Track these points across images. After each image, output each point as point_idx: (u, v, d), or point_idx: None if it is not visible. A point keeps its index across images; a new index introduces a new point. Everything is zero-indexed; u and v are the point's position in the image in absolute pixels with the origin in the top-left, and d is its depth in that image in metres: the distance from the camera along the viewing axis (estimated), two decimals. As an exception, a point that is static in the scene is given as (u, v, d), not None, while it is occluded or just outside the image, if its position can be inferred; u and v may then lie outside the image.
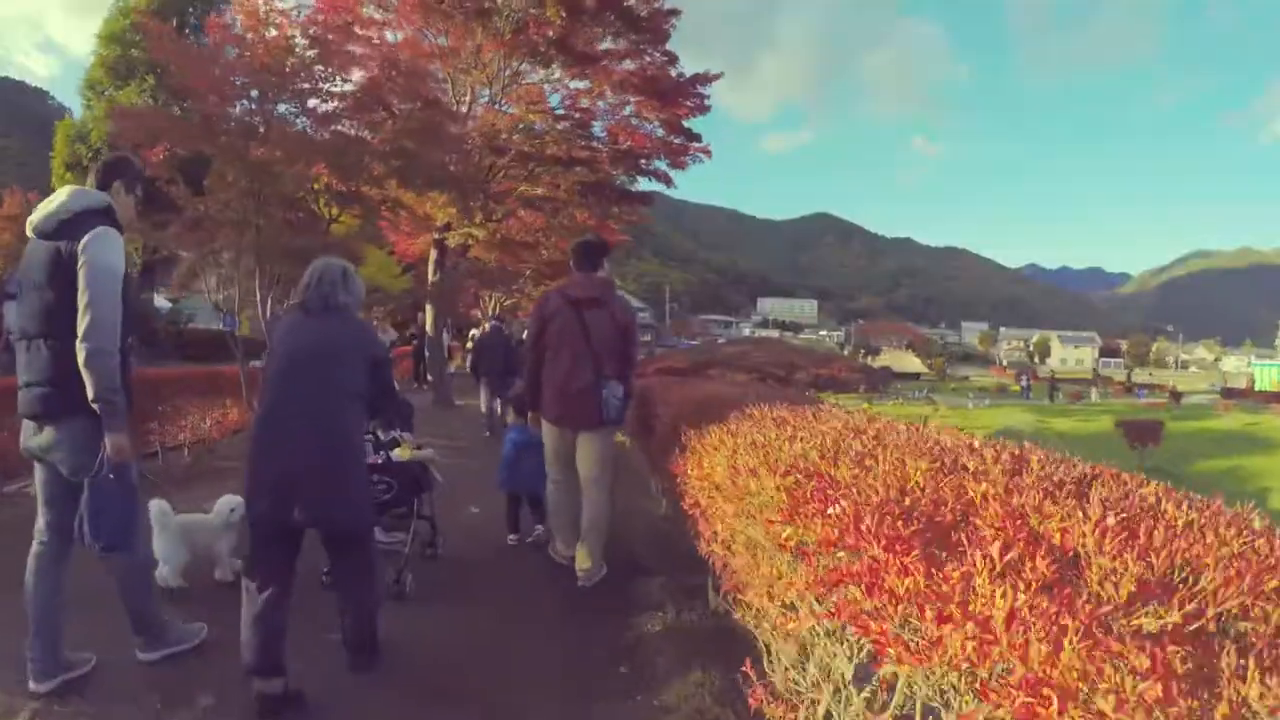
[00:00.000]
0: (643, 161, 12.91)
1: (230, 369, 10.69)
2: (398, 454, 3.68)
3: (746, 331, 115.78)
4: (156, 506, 3.45)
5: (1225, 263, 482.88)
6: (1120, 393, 44.42)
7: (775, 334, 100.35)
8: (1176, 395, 41.73)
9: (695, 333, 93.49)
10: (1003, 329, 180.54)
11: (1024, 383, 41.41)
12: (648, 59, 12.35)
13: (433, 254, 12.77)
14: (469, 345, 22.16)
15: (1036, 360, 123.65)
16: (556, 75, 13.02)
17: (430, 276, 12.91)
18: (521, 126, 12.54)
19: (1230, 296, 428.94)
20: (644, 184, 13.73)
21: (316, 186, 5.66)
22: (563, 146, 11.90)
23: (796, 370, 32.37)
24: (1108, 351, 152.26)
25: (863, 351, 72.08)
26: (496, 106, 11.99)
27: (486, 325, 15.39)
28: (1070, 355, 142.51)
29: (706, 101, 13.43)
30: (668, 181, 14.34)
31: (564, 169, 12.02)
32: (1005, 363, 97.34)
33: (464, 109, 12.57)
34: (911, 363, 54.18)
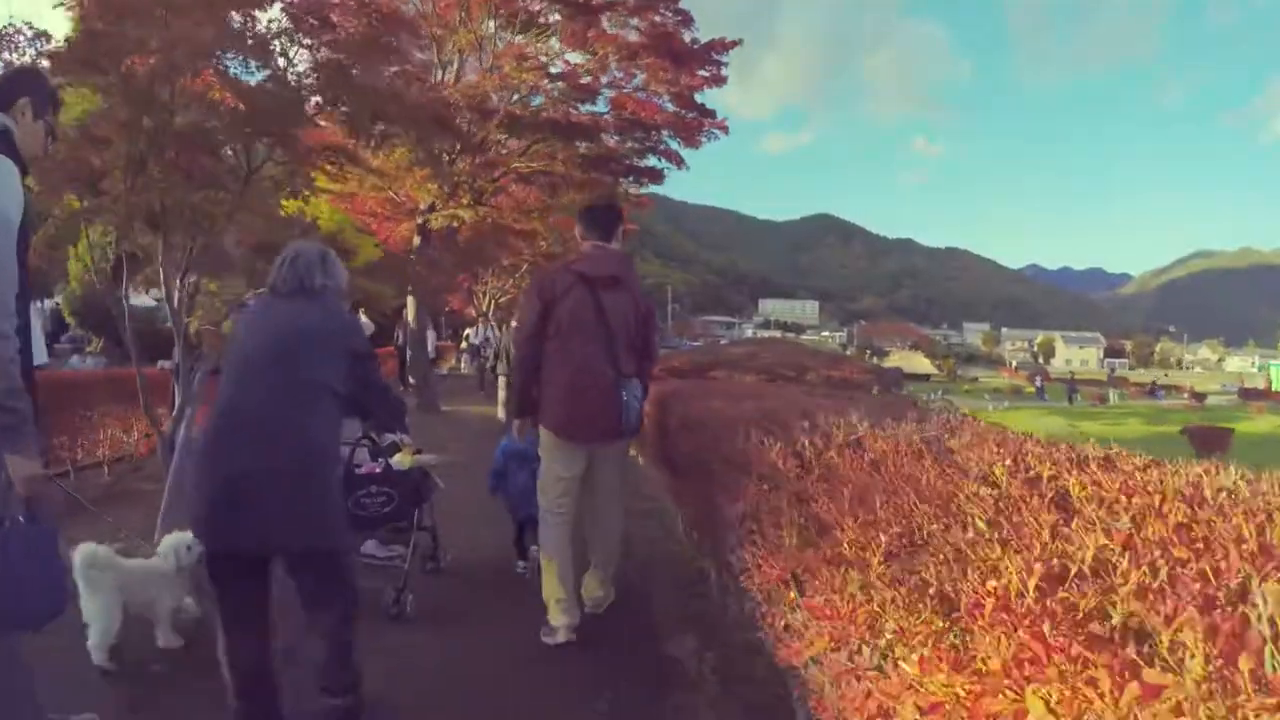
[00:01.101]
0: (653, 134, 11.41)
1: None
2: (398, 460, 3.26)
3: (748, 332, 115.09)
4: (87, 553, 2.62)
5: (1226, 263, 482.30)
6: (1138, 394, 43.08)
7: (777, 335, 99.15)
8: (1199, 397, 40.49)
9: (697, 334, 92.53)
10: (1004, 329, 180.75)
11: (1039, 384, 40.08)
12: (658, 18, 10.89)
13: (416, 240, 11.30)
14: (464, 345, 20.87)
15: (1041, 360, 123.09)
16: (556, 47, 11.56)
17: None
18: (516, 99, 11.06)
19: (1231, 297, 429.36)
20: (653, 163, 12.25)
21: (215, 117, 4.19)
22: (559, 109, 10.36)
23: (807, 372, 30.84)
24: (1112, 352, 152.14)
25: (868, 352, 70.76)
26: (487, 70, 10.46)
27: (481, 324, 13.94)
28: (1075, 355, 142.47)
29: (724, 71, 11.96)
30: (679, 162, 12.86)
31: (562, 140, 10.50)
32: (1015, 364, 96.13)
33: (450, 77, 11.11)
34: (921, 364, 52.74)
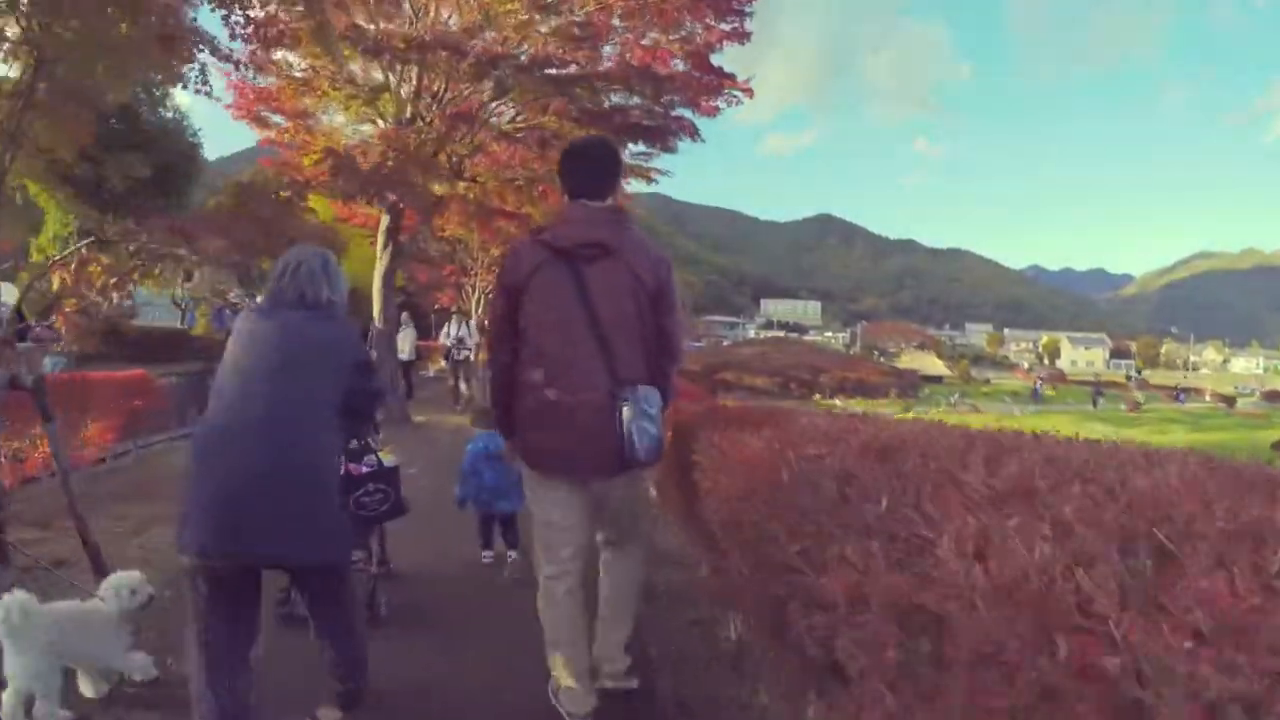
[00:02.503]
0: (665, 99, 9.52)
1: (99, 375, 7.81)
2: (384, 457, 3.22)
3: (751, 333, 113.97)
4: (12, 605, 2.17)
5: (1229, 264, 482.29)
6: (1166, 398, 41.37)
7: (780, 335, 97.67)
8: (1229, 401, 38.88)
9: (701, 334, 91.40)
10: (1007, 330, 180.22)
11: (1036, 386, 37.54)
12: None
13: (384, 220, 9.52)
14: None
15: (1046, 362, 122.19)
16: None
17: (379, 251, 9.65)
18: (510, 48, 9.19)
19: (1234, 298, 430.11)
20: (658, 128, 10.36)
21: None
22: (547, 45, 8.39)
23: (821, 374, 29.16)
24: (1118, 353, 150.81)
25: (876, 353, 68.98)
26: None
27: (454, 320, 11.66)
28: (1081, 357, 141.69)
29: (747, 24, 10.18)
30: (692, 133, 11.07)
31: (554, 88, 8.56)
32: (1027, 365, 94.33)
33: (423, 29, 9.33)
34: (934, 365, 50.80)
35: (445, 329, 11.15)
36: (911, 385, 33.51)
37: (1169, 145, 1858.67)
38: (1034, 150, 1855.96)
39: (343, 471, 2.91)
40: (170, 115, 21.43)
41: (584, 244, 2.18)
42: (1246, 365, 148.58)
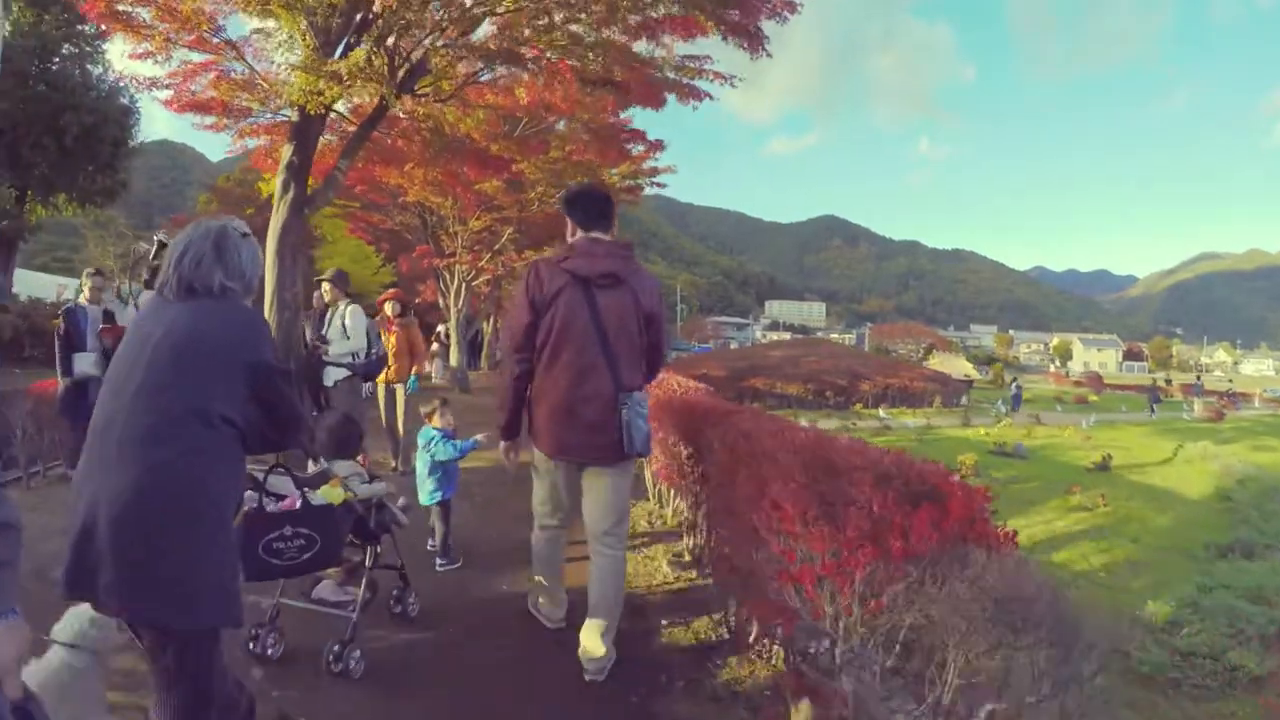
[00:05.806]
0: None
1: None
2: (322, 495, 2.61)
3: (758, 334, 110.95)
4: None
5: (1233, 265, 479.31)
6: (1228, 404, 37.88)
7: (786, 337, 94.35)
8: (1300, 408, 35.59)
9: (708, 336, 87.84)
10: (1012, 331, 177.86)
11: (1015, 390, 32.17)
12: None
13: (285, 151, 5.98)
14: (434, 346, 15.47)
15: (1057, 364, 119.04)
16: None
17: (276, 199, 6.08)
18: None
19: (1238, 299, 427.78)
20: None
21: None
22: None
23: (861, 380, 25.60)
24: (1130, 355, 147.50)
25: (892, 355, 65.46)
26: None
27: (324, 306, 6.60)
28: (1093, 358, 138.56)
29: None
30: (756, 44, 7.60)
31: None
32: (1065, 369, 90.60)
33: None
34: (964, 368, 47.35)
35: (327, 316, 5.62)
36: (956, 392, 29.96)
37: (1173, 146, 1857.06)
38: (1037, 151, 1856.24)
39: (251, 508, 2.41)
40: (100, 71, 18.05)
41: (600, 274, 2.74)
42: (1258, 367, 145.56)
